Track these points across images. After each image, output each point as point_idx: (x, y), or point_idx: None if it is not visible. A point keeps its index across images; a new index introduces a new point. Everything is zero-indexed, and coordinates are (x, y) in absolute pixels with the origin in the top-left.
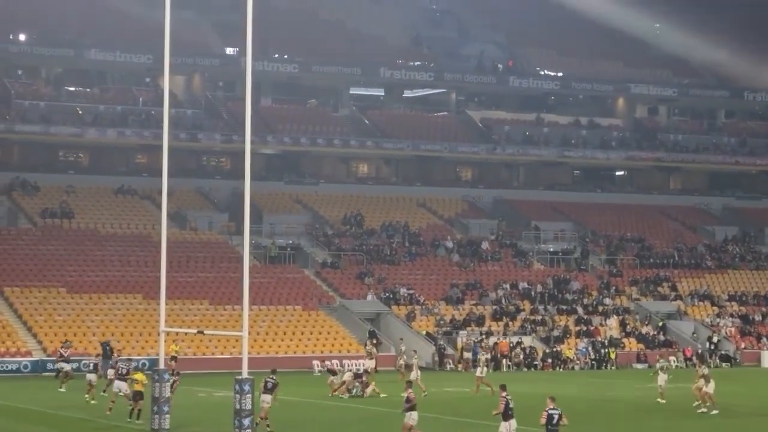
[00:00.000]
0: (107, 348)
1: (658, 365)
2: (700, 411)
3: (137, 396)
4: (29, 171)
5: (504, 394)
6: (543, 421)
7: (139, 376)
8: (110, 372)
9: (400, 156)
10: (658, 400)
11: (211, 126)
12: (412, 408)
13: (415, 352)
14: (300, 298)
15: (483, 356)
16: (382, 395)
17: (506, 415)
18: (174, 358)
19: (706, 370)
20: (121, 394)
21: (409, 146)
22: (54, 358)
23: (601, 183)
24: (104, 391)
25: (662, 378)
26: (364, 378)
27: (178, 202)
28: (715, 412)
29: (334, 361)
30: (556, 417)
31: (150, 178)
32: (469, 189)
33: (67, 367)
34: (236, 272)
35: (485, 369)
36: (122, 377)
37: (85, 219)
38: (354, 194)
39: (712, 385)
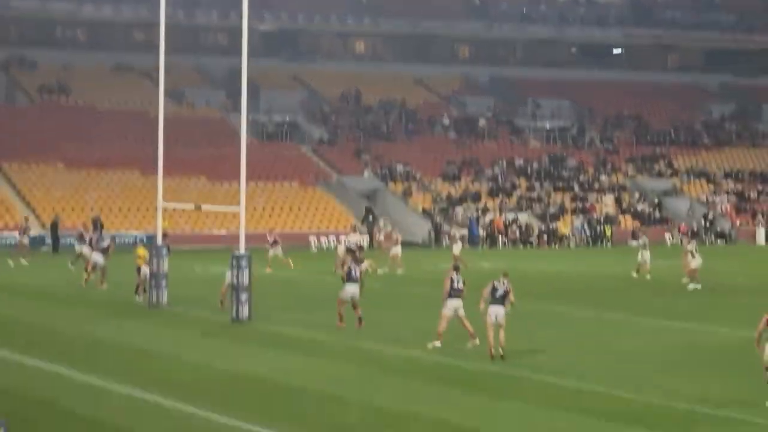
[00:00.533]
0: (98, 223)
1: (639, 242)
2: (689, 287)
3: (139, 272)
4: (26, 47)
5: (454, 273)
6: (485, 292)
7: (140, 251)
8: (81, 247)
9: (398, 34)
10: (645, 276)
11: (208, 1)
12: (349, 280)
13: (392, 225)
14: (297, 175)
15: (458, 233)
16: (379, 271)
17: (452, 293)
18: (164, 234)
19: (691, 245)
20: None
21: (407, 24)
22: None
23: (599, 60)
24: (71, 264)
25: (643, 255)
26: (357, 254)
27: (176, 78)
28: (697, 286)
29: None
30: (501, 290)
31: (147, 54)
32: (466, 66)
33: (24, 240)
34: (233, 148)
35: (460, 245)
36: (101, 250)
37: (82, 95)
38: (351, 72)
39: (697, 260)
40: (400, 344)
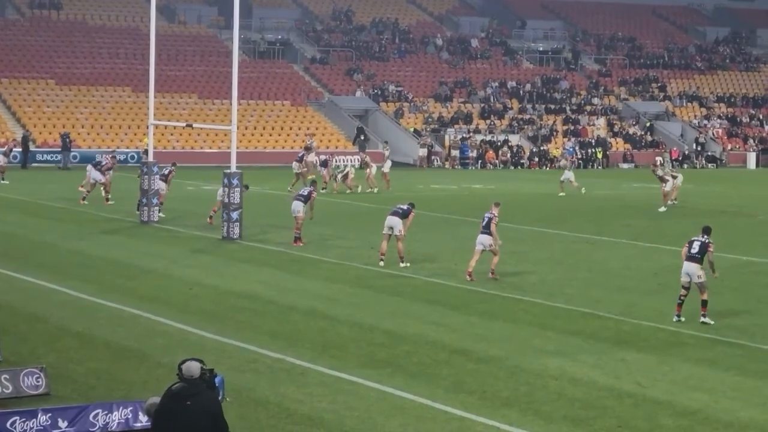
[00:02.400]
0: (67, 140)
1: (561, 163)
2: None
3: None
4: None
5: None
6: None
7: None
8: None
9: None
10: (560, 194)
11: None
12: (298, 198)
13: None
14: (288, 94)
15: (387, 151)
16: (369, 190)
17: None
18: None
19: (660, 172)
20: (91, 182)
21: None
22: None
23: None
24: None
25: (566, 175)
26: (328, 164)
27: None
28: (662, 209)
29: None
30: (486, 220)
31: None
32: None
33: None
34: (225, 66)
35: (390, 163)
36: (98, 168)
37: (73, 10)
38: None
39: (669, 184)
40: (390, 265)
